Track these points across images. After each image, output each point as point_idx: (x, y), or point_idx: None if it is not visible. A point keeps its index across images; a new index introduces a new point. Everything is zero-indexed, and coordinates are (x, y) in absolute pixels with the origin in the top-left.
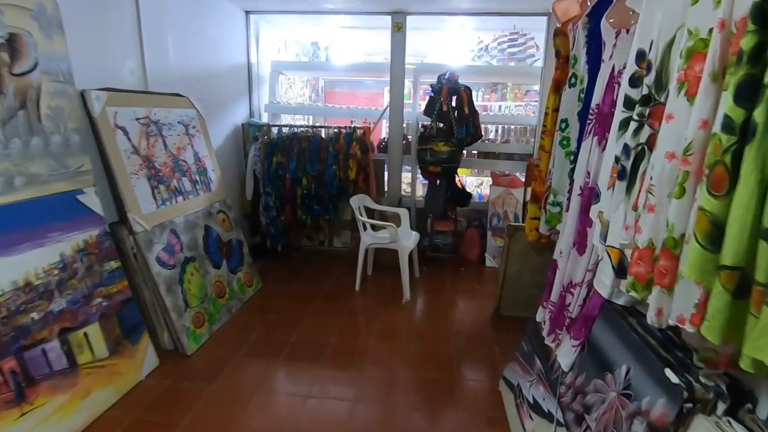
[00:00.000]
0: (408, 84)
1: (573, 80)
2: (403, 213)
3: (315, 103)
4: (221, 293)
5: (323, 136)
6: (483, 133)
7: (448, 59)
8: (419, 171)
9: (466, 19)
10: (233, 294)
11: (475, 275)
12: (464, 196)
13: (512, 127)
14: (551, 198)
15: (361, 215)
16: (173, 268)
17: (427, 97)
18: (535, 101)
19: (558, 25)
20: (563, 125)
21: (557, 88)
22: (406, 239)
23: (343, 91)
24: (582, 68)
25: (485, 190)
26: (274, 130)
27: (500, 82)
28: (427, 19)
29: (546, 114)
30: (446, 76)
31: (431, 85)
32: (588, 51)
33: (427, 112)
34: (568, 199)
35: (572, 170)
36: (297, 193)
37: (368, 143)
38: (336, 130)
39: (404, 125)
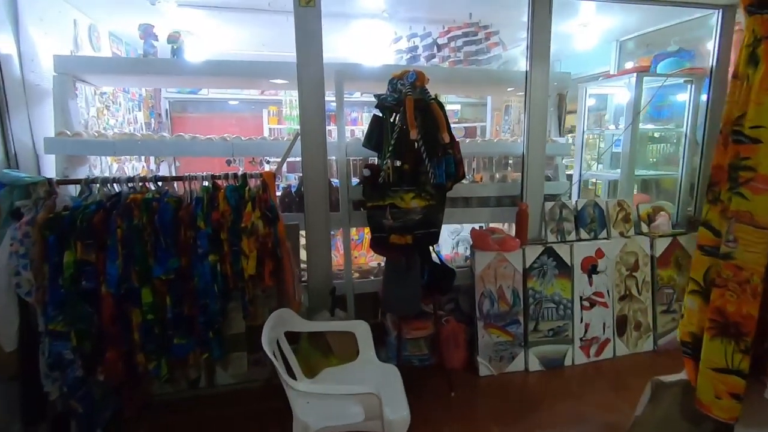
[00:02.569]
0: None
1: None
2: (360, 330)
3: (159, 134)
4: None
5: (181, 195)
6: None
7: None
8: (370, 244)
9: (402, 6)
10: None
11: (472, 398)
12: (447, 275)
13: (470, 160)
14: None
15: (287, 367)
16: None
17: (370, 118)
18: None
19: None
20: None
21: None
22: (393, 404)
23: (200, 116)
24: None
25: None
26: (66, 192)
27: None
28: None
29: (756, 141)
30: (410, 79)
31: (378, 98)
32: None
33: (371, 141)
34: None
35: None
36: (132, 321)
37: (275, 204)
38: (207, 184)
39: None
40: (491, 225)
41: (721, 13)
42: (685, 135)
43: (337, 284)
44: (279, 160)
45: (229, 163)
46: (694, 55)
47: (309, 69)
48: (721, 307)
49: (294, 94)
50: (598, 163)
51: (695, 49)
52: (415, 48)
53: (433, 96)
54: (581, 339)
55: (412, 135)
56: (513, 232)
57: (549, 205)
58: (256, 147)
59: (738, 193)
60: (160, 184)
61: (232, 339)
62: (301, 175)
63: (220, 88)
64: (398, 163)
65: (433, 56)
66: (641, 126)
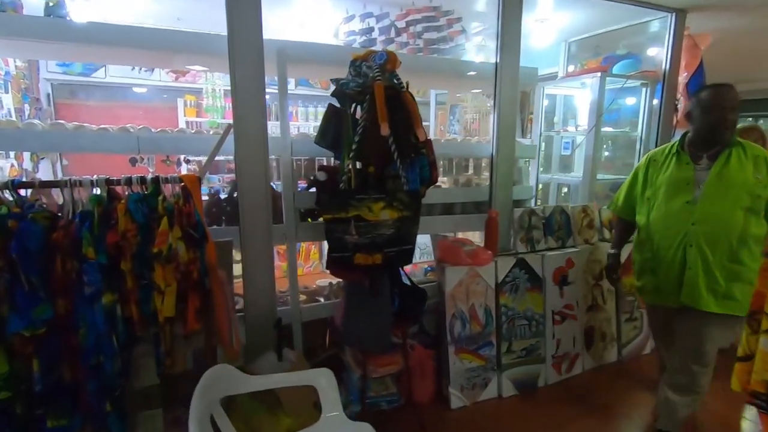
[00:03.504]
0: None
1: None
2: (324, 382)
3: (27, 122)
4: None
5: (60, 209)
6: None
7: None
8: (327, 265)
9: None
10: None
11: None
12: (418, 297)
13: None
14: None
15: None
16: None
17: (325, 110)
18: None
19: None
20: None
21: None
22: None
23: (97, 104)
24: None
25: None
26: None
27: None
28: None
29: None
30: (378, 60)
31: (337, 83)
32: None
33: (327, 138)
34: None
35: None
36: None
37: (201, 218)
38: (100, 192)
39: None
40: (446, 234)
41: (673, 17)
42: (640, 139)
43: (280, 312)
44: (201, 159)
45: (134, 162)
46: (641, 59)
47: (245, 43)
48: None
49: (218, 81)
50: (536, 167)
51: (640, 54)
52: (370, 30)
53: (404, 84)
54: (553, 356)
55: (383, 131)
56: (478, 243)
57: (518, 211)
58: (172, 142)
59: None
60: (23, 192)
61: (142, 394)
62: (232, 177)
63: (116, 63)
64: (360, 165)
65: (391, 41)
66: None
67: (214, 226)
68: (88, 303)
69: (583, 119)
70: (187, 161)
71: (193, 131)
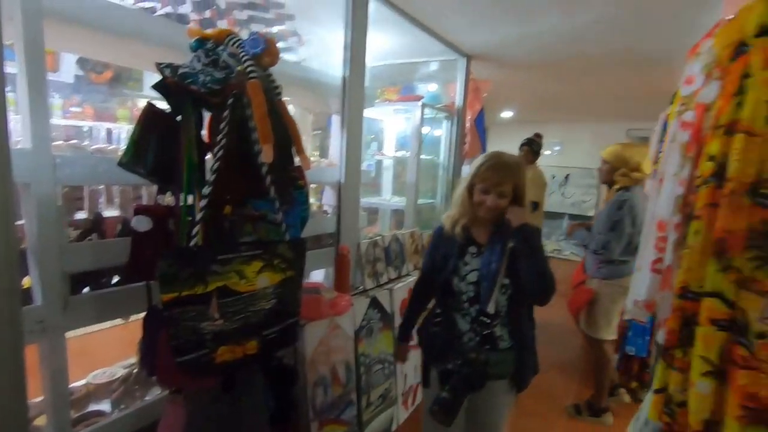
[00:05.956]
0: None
1: None
2: None
3: None
4: None
5: None
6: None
7: None
8: (158, 375)
9: None
10: None
11: None
12: (288, 380)
13: None
14: None
15: None
16: None
17: (142, 113)
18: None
19: None
20: None
21: None
22: None
23: None
24: None
25: None
26: None
27: None
28: None
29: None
30: (252, 48)
31: (171, 72)
32: None
33: (147, 159)
34: None
35: None
36: None
37: None
38: None
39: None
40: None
41: (465, 61)
42: (443, 166)
43: None
44: None
45: None
46: (439, 94)
47: None
48: (754, 392)
49: None
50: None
51: (431, 90)
52: (182, 1)
53: (280, 89)
54: (402, 393)
55: (266, 156)
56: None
57: (365, 244)
58: None
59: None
60: None
61: None
62: None
63: None
64: (199, 202)
65: (210, 23)
66: (398, 154)
67: None
68: None
69: (390, 144)
70: None
71: None
